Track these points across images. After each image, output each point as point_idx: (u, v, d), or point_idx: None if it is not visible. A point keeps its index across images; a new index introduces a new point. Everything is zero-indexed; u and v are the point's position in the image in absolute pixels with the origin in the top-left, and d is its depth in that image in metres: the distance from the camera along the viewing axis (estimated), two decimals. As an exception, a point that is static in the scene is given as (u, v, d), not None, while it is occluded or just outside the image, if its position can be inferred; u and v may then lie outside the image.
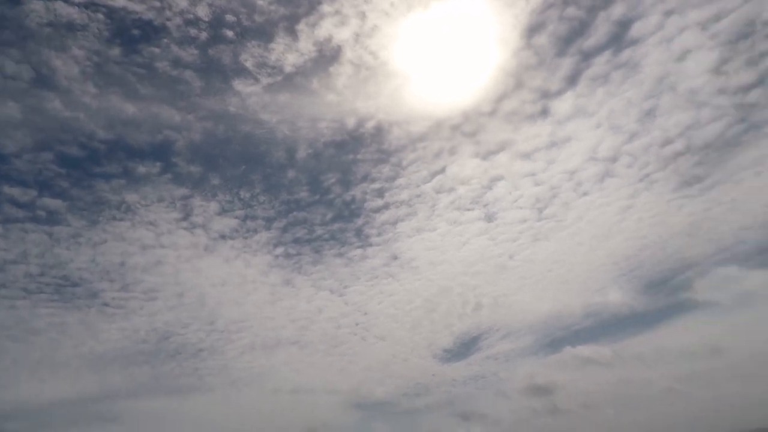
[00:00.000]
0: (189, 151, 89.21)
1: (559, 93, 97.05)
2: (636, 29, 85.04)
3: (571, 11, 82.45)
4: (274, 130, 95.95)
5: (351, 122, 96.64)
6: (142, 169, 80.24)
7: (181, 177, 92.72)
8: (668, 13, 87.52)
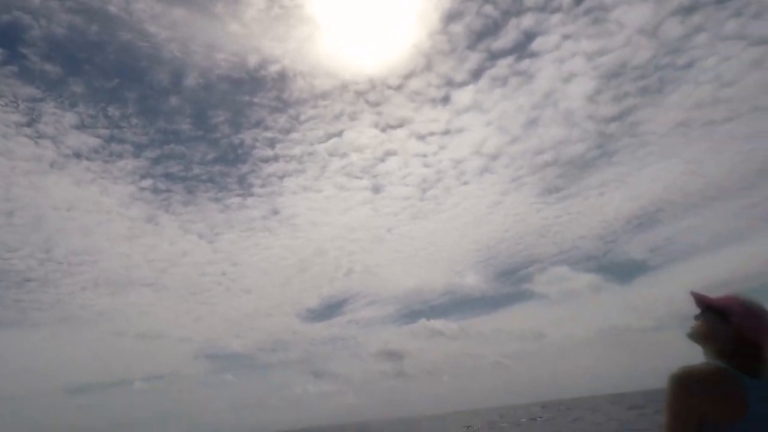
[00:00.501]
0: (46, 44, 72.23)
1: (462, 84, 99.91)
2: (538, 43, 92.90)
3: (488, 9, 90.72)
4: (161, 47, 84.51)
5: (253, 60, 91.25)
6: (-27, 52, 54.82)
7: (30, 73, 77.75)
8: (566, 37, 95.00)
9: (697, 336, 1.58)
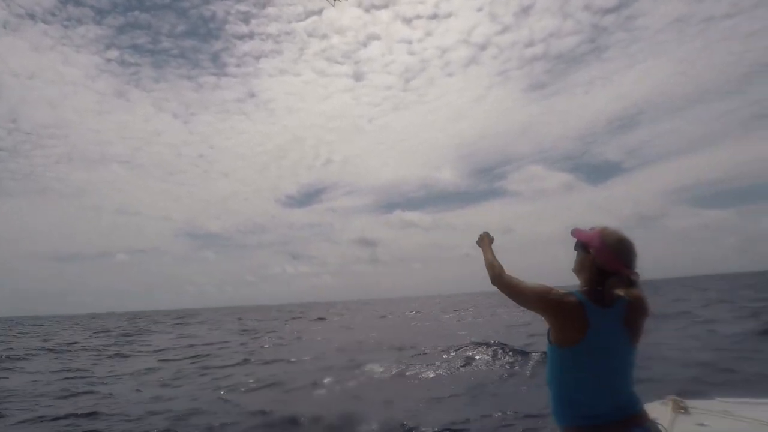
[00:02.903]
0: None
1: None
2: None
3: None
4: None
5: None
6: None
7: None
8: None
9: (574, 268, 1.85)
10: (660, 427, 1.81)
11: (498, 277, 1.88)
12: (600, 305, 1.65)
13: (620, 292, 1.67)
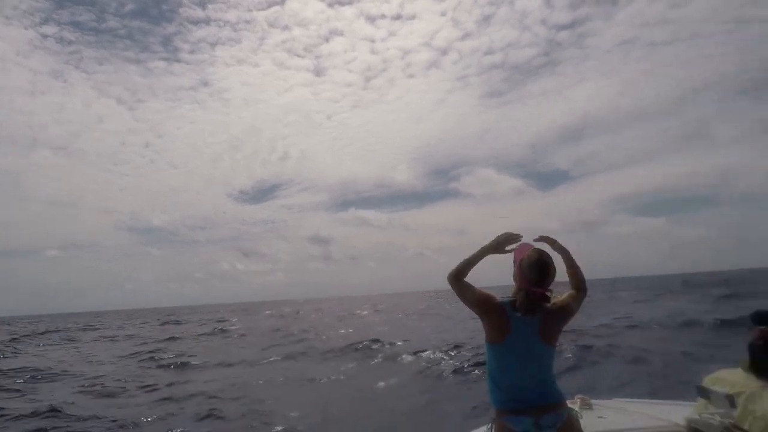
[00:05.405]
0: None
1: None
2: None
3: None
4: None
5: None
6: None
7: None
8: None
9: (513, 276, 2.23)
10: (576, 414, 2.26)
11: (455, 275, 2.18)
12: (521, 312, 2.08)
13: (544, 302, 2.09)
